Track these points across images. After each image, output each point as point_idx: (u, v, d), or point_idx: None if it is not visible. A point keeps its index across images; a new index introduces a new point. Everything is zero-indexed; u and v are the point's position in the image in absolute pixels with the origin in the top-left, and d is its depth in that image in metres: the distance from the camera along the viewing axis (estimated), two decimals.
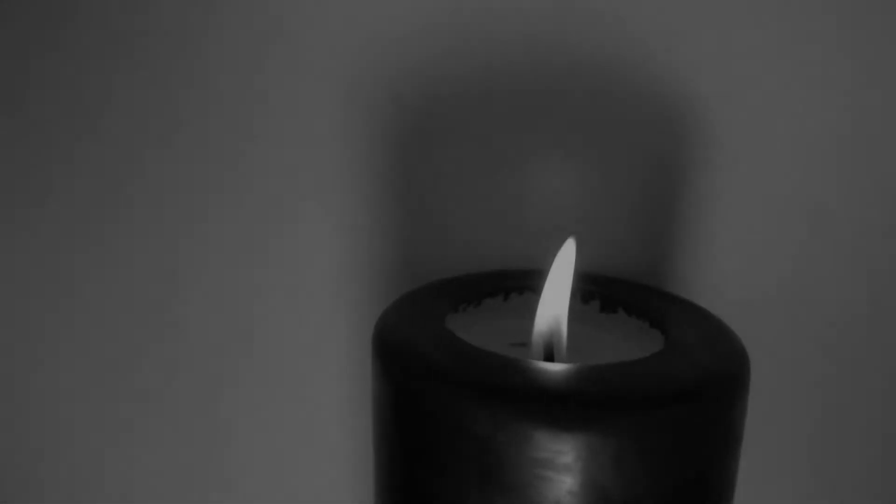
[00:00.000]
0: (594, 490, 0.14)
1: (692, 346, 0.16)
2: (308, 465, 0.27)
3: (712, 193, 0.23)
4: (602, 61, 0.22)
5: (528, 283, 0.21)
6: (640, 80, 0.22)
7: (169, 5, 0.23)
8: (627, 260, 0.23)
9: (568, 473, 0.14)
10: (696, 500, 0.15)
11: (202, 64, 0.24)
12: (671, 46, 0.22)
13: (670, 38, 0.22)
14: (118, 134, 0.25)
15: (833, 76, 0.22)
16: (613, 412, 0.14)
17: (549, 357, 0.18)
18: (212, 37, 0.24)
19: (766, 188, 0.23)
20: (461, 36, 0.23)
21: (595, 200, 0.23)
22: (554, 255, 0.24)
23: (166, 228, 0.26)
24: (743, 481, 0.18)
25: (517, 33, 0.22)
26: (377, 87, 0.24)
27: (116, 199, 0.26)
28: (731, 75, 0.22)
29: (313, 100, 0.24)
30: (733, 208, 0.23)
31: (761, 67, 0.22)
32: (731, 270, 0.23)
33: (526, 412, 0.14)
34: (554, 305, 0.18)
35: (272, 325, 0.26)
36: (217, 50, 0.24)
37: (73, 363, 0.27)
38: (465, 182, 0.24)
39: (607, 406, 0.14)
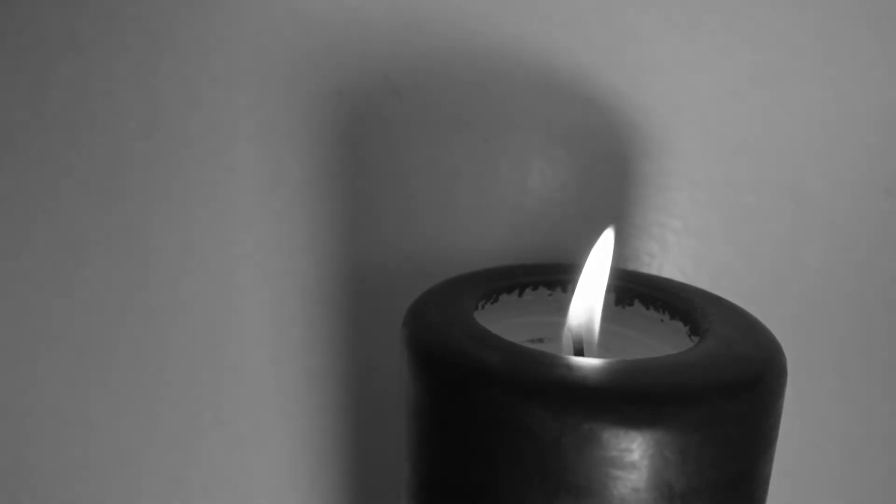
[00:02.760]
0: (659, 486, 0.14)
1: (731, 338, 0.16)
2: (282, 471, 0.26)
3: (705, 185, 0.23)
4: (588, 53, 0.22)
5: (539, 277, 0.21)
6: (626, 74, 0.22)
7: None
8: (622, 253, 0.23)
9: (634, 471, 0.14)
10: (748, 490, 0.15)
11: (187, 65, 0.22)
12: (661, 39, 0.22)
13: (654, 32, 0.22)
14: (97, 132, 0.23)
15: (813, 64, 0.22)
16: (682, 407, 0.14)
17: (580, 353, 0.18)
18: (188, 32, 0.22)
19: (757, 177, 0.23)
20: (452, 28, 0.22)
21: (585, 194, 0.23)
22: (542, 249, 0.24)
23: (140, 230, 0.24)
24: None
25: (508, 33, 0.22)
26: (368, 79, 0.23)
27: (86, 204, 0.24)
28: (714, 68, 0.22)
29: (298, 95, 0.23)
30: (726, 199, 0.23)
31: (745, 60, 0.22)
32: (726, 262, 0.24)
33: (594, 411, 0.13)
34: (588, 300, 0.18)
35: (249, 327, 0.25)
36: (194, 46, 0.22)
37: (47, 366, 0.25)
38: (457, 177, 0.23)
39: (677, 401, 0.14)
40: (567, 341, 0.18)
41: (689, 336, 0.18)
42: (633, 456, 0.14)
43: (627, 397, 0.14)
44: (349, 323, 0.24)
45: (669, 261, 0.24)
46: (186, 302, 0.25)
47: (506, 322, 0.20)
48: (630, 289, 0.20)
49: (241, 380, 0.25)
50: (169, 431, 0.26)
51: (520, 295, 0.20)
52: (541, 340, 0.21)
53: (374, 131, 0.23)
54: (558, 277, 0.21)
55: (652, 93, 0.22)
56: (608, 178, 0.23)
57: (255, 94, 0.23)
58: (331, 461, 0.26)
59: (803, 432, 0.24)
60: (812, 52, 0.22)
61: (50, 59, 0.23)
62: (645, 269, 0.23)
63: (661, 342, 0.19)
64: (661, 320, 0.19)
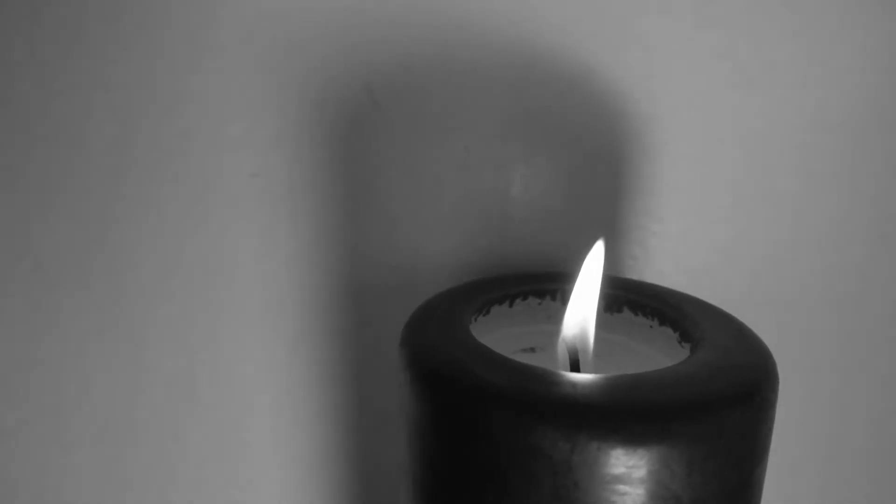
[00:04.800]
0: (666, 498, 0.14)
1: (725, 346, 0.17)
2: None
3: (684, 188, 0.24)
4: (569, 63, 0.22)
5: (529, 287, 0.21)
6: (606, 84, 0.23)
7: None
8: (606, 258, 0.24)
9: (642, 485, 0.14)
10: (747, 496, 0.15)
11: (167, 73, 0.22)
12: (638, 48, 0.23)
13: (634, 40, 0.22)
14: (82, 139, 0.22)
15: (788, 68, 0.23)
16: (688, 421, 0.14)
17: (575, 364, 0.18)
18: (168, 39, 0.21)
19: (734, 179, 0.24)
20: (438, 32, 0.22)
21: (567, 200, 0.24)
22: (529, 257, 0.24)
23: (125, 242, 0.23)
24: None
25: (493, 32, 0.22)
26: (348, 86, 0.22)
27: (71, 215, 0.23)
28: (692, 74, 0.23)
29: (278, 101, 0.22)
30: (705, 202, 0.24)
31: (722, 66, 0.23)
32: (705, 264, 0.24)
33: (604, 430, 0.14)
34: (581, 311, 0.18)
35: (227, 344, 0.24)
36: (173, 55, 0.22)
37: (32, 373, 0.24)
38: (440, 186, 0.23)
39: (683, 415, 0.14)
40: (563, 353, 0.18)
41: (680, 342, 0.19)
42: (641, 472, 0.14)
43: (635, 414, 0.14)
44: (332, 337, 0.24)
45: (650, 264, 0.24)
46: (167, 318, 0.24)
47: (499, 333, 0.20)
48: (619, 295, 0.20)
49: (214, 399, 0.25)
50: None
51: (511, 305, 0.20)
52: (533, 350, 0.21)
53: (354, 142, 0.23)
54: (547, 287, 0.21)
55: (631, 100, 0.23)
56: (590, 184, 0.23)
57: (234, 104, 0.22)
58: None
59: (785, 435, 0.25)
60: (786, 56, 0.23)
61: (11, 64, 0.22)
62: (628, 274, 0.24)
63: (651, 348, 0.20)
64: (651, 326, 0.20)
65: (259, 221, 0.23)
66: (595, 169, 0.23)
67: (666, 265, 0.24)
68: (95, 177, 0.23)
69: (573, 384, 0.15)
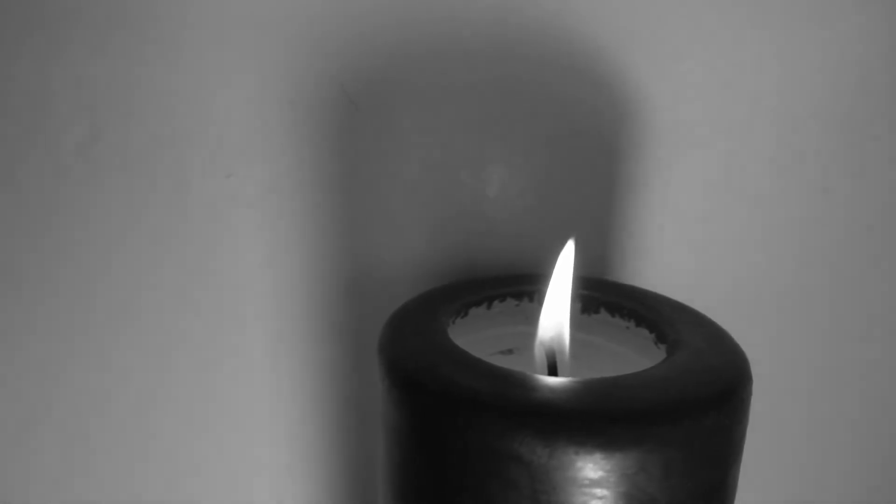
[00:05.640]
0: (643, 501, 0.14)
1: (700, 348, 0.17)
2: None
3: (658, 188, 0.24)
4: (544, 63, 0.22)
5: (506, 289, 0.21)
6: (581, 84, 0.23)
7: None
8: (594, 260, 0.24)
9: (619, 489, 0.14)
10: (721, 497, 0.16)
11: (132, 74, 0.21)
12: (621, 45, 0.23)
13: (615, 37, 0.22)
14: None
15: (754, 67, 0.23)
16: (665, 425, 0.14)
17: (553, 367, 0.18)
18: (139, 39, 0.21)
19: (707, 179, 0.24)
20: (415, 32, 0.22)
21: (544, 200, 0.24)
22: (509, 258, 0.24)
23: (97, 244, 0.23)
24: None
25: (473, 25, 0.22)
26: (323, 86, 0.22)
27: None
28: (661, 76, 0.23)
29: (252, 100, 0.22)
30: (678, 202, 0.24)
31: (690, 67, 0.23)
32: (678, 264, 0.25)
33: (581, 436, 0.14)
34: (556, 313, 0.18)
35: (210, 351, 0.24)
36: (144, 53, 0.21)
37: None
38: (416, 184, 0.23)
39: (660, 419, 0.14)
40: (540, 356, 0.18)
41: (656, 343, 0.19)
42: (618, 475, 0.14)
43: (613, 419, 0.14)
44: (308, 340, 0.24)
45: (625, 264, 0.24)
46: (138, 320, 0.24)
47: (476, 335, 0.20)
48: (596, 297, 0.20)
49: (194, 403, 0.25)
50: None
51: (489, 307, 0.20)
52: (511, 351, 0.21)
53: (330, 142, 0.23)
54: (525, 288, 0.21)
55: (604, 100, 0.23)
56: (568, 184, 0.23)
57: (208, 104, 0.22)
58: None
59: (757, 434, 0.26)
60: (752, 56, 0.23)
61: None
62: (604, 275, 0.24)
63: (628, 349, 0.20)
64: (627, 328, 0.20)
65: (233, 222, 0.23)
66: (573, 169, 0.23)
67: (643, 265, 0.24)
68: (64, 177, 0.22)
69: (550, 389, 0.15)
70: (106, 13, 0.21)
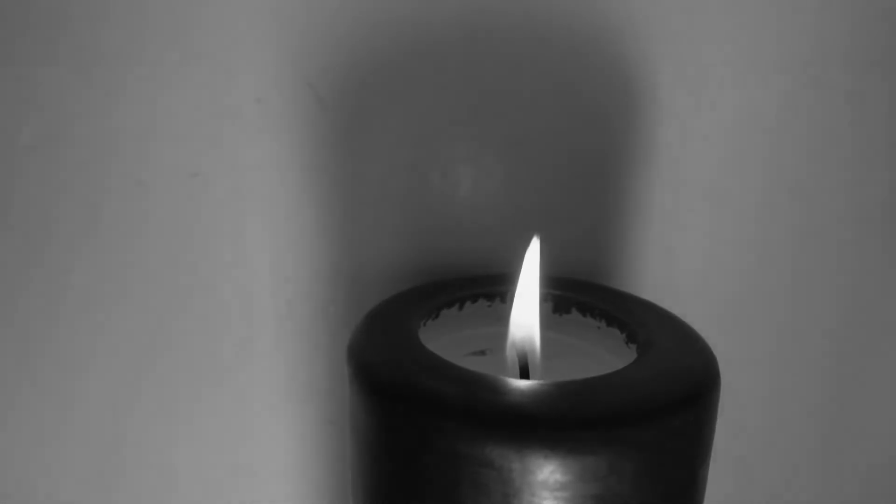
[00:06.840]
0: (615, 503, 0.14)
1: (669, 349, 0.17)
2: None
3: (626, 188, 0.24)
4: (515, 63, 0.22)
5: (478, 290, 0.21)
6: (550, 83, 0.23)
7: None
8: (565, 260, 0.24)
9: (591, 492, 0.14)
10: (692, 494, 0.16)
11: (93, 73, 0.21)
12: (593, 46, 0.23)
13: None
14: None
15: (723, 68, 0.23)
16: (635, 427, 0.14)
17: (525, 367, 0.18)
18: (101, 33, 0.20)
19: (675, 178, 0.24)
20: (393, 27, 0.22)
21: (517, 201, 0.24)
22: (488, 256, 0.24)
23: (59, 247, 0.22)
24: None
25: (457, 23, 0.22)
26: (290, 84, 0.22)
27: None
28: (629, 76, 0.23)
29: (218, 98, 0.22)
30: (645, 202, 0.24)
31: (658, 67, 0.23)
32: (646, 263, 0.25)
33: (552, 441, 0.14)
34: (526, 314, 0.18)
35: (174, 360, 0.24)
36: (108, 50, 0.21)
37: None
38: (386, 184, 0.23)
39: (630, 422, 0.14)
40: (512, 358, 0.18)
41: (626, 343, 0.19)
42: (590, 478, 0.14)
43: (583, 423, 0.14)
44: (277, 344, 0.24)
45: (597, 264, 0.24)
46: (102, 323, 0.23)
47: (448, 337, 0.20)
48: (567, 297, 0.20)
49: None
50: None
51: (460, 309, 0.20)
52: (483, 353, 0.21)
53: (297, 142, 0.22)
54: (497, 289, 0.21)
55: (574, 101, 0.23)
56: (536, 184, 0.23)
57: (172, 101, 0.21)
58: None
59: (727, 433, 0.26)
60: (718, 57, 0.23)
61: None
62: (576, 275, 0.24)
63: (599, 348, 0.20)
64: (598, 327, 0.20)
65: (198, 223, 0.23)
66: (546, 169, 0.23)
67: (614, 265, 0.25)
68: (22, 177, 0.21)
69: (521, 393, 0.15)
70: (68, 11, 0.20)
